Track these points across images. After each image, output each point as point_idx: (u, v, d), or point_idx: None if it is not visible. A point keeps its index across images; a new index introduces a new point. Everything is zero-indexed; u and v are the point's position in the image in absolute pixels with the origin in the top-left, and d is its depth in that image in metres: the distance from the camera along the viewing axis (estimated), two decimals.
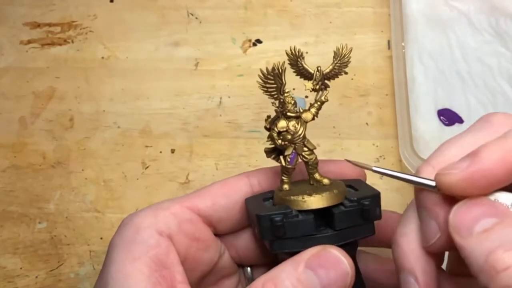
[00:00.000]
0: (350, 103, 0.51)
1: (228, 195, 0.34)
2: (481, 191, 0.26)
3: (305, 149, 0.32)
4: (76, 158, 0.50)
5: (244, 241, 0.35)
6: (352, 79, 0.53)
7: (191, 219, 0.33)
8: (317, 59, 0.54)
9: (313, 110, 0.32)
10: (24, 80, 0.53)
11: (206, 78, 0.53)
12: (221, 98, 0.52)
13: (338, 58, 0.32)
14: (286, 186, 0.32)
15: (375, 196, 0.31)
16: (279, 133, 0.32)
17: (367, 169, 0.31)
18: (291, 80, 0.32)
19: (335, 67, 0.32)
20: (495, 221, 0.25)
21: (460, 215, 0.26)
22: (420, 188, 0.29)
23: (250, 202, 0.34)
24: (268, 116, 0.33)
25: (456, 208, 0.26)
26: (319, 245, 0.30)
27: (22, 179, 0.49)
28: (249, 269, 0.37)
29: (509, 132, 0.26)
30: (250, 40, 0.55)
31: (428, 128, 0.49)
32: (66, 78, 0.54)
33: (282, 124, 0.31)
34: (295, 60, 0.32)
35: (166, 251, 0.31)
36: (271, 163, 0.49)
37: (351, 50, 0.32)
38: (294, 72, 0.32)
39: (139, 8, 0.57)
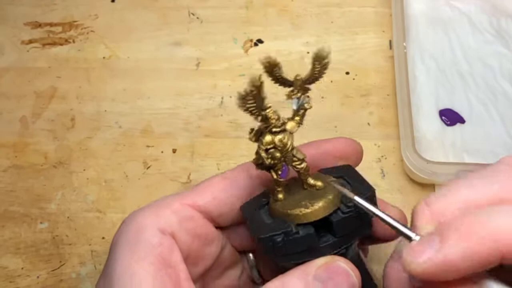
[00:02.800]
0: (352, 103, 0.51)
1: (228, 189, 0.34)
2: (452, 277, 0.24)
3: (295, 159, 0.31)
4: (77, 158, 0.50)
5: (246, 231, 0.35)
6: (353, 79, 0.53)
7: (192, 216, 0.33)
8: None
9: (297, 118, 0.31)
10: (25, 80, 0.53)
11: (207, 78, 0.53)
12: (222, 98, 0.52)
13: (318, 61, 0.30)
14: (280, 196, 0.32)
15: (372, 196, 0.31)
16: (267, 150, 0.30)
17: (352, 199, 0.30)
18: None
19: (315, 71, 0.30)
20: None
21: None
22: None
23: (246, 210, 0.33)
24: (252, 129, 0.31)
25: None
26: (324, 254, 0.30)
27: (23, 179, 0.49)
28: (251, 255, 0.37)
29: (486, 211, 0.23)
30: (251, 40, 0.55)
31: (429, 128, 0.49)
32: (67, 78, 0.54)
33: (268, 139, 0.30)
34: (271, 69, 0.29)
35: (169, 250, 0.31)
36: None
37: (329, 52, 0.30)
38: (272, 80, 0.30)
39: (140, 8, 0.57)
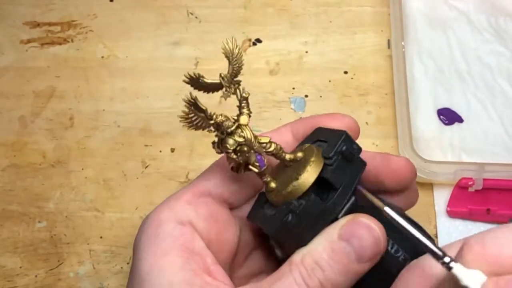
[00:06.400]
0: (350, 102, 0.51)
1: None
2: None
3: (263, 144, 0.32)
4: (76, 157, 0.50)
5: None
6: (352, 78, 0.53)
7: (205, 202, 0.33)
8: (317, 58, 0.54)
9: (245, 110, 0.31)
10: (24, 79, 0.53)
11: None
12: (221, 97, 0.52)
13: (231, 56, 0.30)
14: (272, 185, 0.32)
15: (345, 138, 0.32)
16: (235, 151, 0.31)
17: (379, 208, 0.28)
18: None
19: (234, 64, 0.31)
20: None
21: None
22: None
23: (253, 217, 0.34)
24: (213, 142, 0.31)
25: None
26: (337, 212, 0.30)
27: (22, 178, 0.49)
28: None
29: None
30: (250, 40, 0.55)
31: (428, 127, 0.49)
32: (66, 77, 0.54)
33: (230, 142, 0.30)
34: (197, 82, 0.30)
35: (191, 238, 0.31)
36: None
37: (235, 41, 0.30)
38: (203, 91, 0.31)
39: (139, 8, 0.57)
